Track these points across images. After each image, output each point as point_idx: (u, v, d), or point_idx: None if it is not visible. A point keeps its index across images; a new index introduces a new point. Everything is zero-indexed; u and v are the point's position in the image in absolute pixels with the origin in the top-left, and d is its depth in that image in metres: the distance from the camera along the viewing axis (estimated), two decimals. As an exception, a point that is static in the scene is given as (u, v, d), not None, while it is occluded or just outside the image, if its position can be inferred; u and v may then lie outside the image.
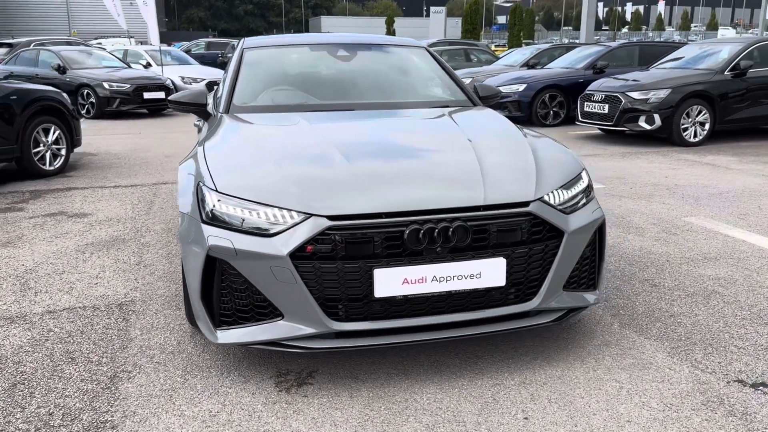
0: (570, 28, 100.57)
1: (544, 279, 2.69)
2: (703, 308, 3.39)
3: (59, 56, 13.82)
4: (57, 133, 7.28)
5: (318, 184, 2.63)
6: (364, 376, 2.72)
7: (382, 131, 3.41)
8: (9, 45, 17.31)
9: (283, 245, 2.45)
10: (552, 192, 2.76)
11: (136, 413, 2.45)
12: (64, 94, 7.61)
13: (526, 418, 2.41)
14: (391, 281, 2.47)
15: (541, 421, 2.39)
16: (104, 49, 17.40)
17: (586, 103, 9.58)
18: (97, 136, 10.63)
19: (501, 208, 2.60)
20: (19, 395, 2.58)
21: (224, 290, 2.59)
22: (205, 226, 2.59)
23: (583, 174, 3.01)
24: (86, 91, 13.19)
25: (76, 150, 8.19)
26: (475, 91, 4.23)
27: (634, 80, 9.22)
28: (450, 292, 2.55)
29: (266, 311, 2.56)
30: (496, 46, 47.89)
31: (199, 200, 2.68)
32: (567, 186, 2.85)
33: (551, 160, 3.02)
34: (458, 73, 14.62)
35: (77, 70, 13.64)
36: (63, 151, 7.40)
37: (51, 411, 2.46)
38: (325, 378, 2.70)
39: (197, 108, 3.86)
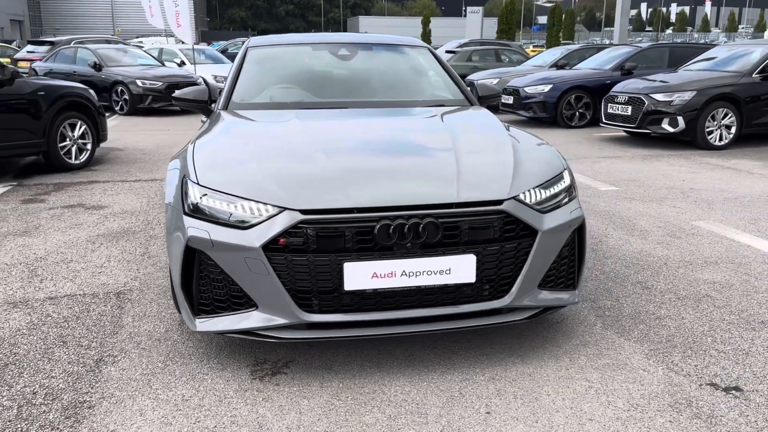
0: (612, 29, 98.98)
1: (516, 277, 2.72)
2: (692, 312, 3.36)
3: (96, 54, 14.24)
4: (83, 128, 7.52)
5: (295, 179, 2.70)
6: (337, 367, 2.79)
7: (368, 129, 3.47)
8: (51, 43, 17.88)
9: (257, 238, 2.53)
10: (529, 191, 2.78)
11: (113, 395, 2.56)
12: (91, 91, 7.86)
13: (488, 413, 2.44)
14: (360, 275, 2.53)
15: (502, 416, 2.42)
16: (141, 47, 17.87)
17: (609, 104, 9.46)
18: (127, 132, 10.93)
19: (473, 205, 2.64)
20: (9, 375, 2.71)
21: (203, 280, 2.68)
22: (186, 218, 2.69)
23: (565, 174, 3.02)
24: (120, 88, 13.56)
25: (104, 145, 8.48)
26: (475, 91, 4.26)
27: (662, 81, 9.07)
28: (420, 287, 2.59)
29: (242, 301, 2.64)
30: (534, 46, 47.47)
31: (183, 193, 2.78)
32: (546, 185, 2.87)
33: (532, 159, 3.04)
34: (485, 73, 14.62)
35: (112, 67, 14.03)
36: (89, 146, 7.64)
37: (35, 390, 2.59)
38: (299, 368, 2.78)
39: (199, 105, 3.98)
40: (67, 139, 7.34)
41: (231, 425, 2.36)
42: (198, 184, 2.74)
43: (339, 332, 2.63)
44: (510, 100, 11.96)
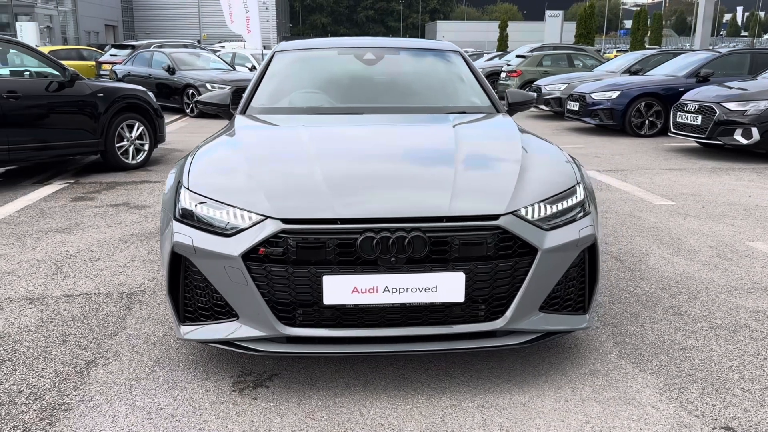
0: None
1: (513, 298, 2.53)
2: (723, 343, 3.05)
3: (170, 58, 14.77)
4: (140, 129, 7.76)
5: (283, 188, 2.62)
6: (321, 383, 2.68)
7: (373, 137, 3.34)
8: (132, 47, 18.72)
9: (237, 246, 2.46)
10: (532, 206, 2.59)
11: (92, 399, 2.55)
12: (150, 93, 8.10)
13: (466, 444, 2.27)
14: (340, 289, 2.42)
15: (481, 449, 2.24)
16: (215, 52, 18.43)
17: (678, 113, 8.92)
18: (193, 134, 11.25)
19: (466, 220, 2.47)
20: (2, 372, 2.76)
21: (187, 287, 2.64)
22: (175, 223, 2.66)
23: (578, 188, 2.80)
24: (191, 90, 14.00)
25: (165, 146, 8.75)
26: (505, 97, 4.06)
27: (739, 89, 8.46)
28: (404, 304, 2.45)
29: (224, 310, 2.58)
30: (618, 51, 45.82)
31: (176, 198, 2.75)
32: (553, 200, 2.66)
33: (542, 171, 2.84)
34: (553, 78, 14.19)
35: (185, 71, 14.51)
36: (146, 147, 7.88)
37: (21, 389, 2.62)
38: (282, 382, 2.69)
39: (221, 108, 3.99)
40: (125, 140, 7.60)
41: (196, 439, 2.30)
42: (189, 189, 2.70)
43: (318, 348, 2.52)
44: (575, 106, 11.52)
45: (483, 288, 2.48)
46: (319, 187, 2.58)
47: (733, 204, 5.88)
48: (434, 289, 2.44)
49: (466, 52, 31.56)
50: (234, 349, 2.58)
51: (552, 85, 13.72)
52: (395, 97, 3.91)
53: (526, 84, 16.47)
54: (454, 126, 3.34)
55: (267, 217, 2.47)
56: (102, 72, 18.15)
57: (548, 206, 2.64)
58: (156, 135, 8.06)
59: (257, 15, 15.53)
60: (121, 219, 5.35)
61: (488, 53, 26.25)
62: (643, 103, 10.74)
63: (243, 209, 2.52)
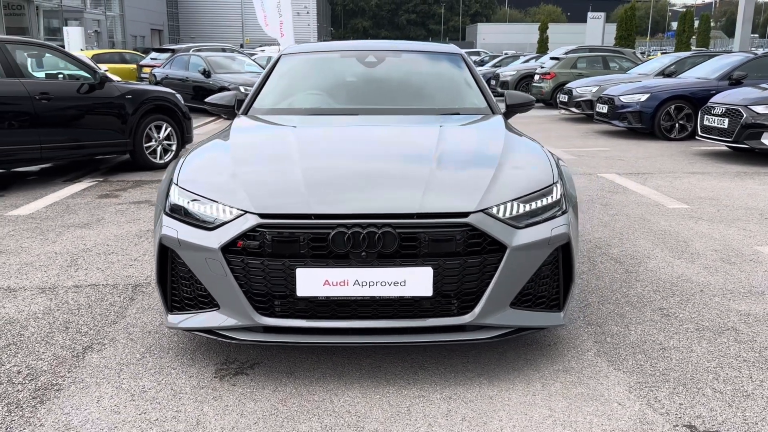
0: (756, 35, 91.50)
1: (482, 293, 2.59)
2: (705, 344, 3.05)
3: (206, 61, 15.14)
4: (168, 130, 8.03)
5: (263, 184, 2.75)
6: (299, 372, 2.79)
7: (359, 137, 3.44)
8: (172, 51, 19.24)
9: (217, 239, 2.59)
10: (504, 204, 2.65)
11: (83, 381, 2.71)
12: (178, 95, 8.37)
13: (427, 433, 2.35)
14: (312, 281, 2.52)
15: (439, 438, 2.32)
16: (253, 55, 18.80)
17: (706, 116, 8.76)
18: (223, 134, 11.50)
19: (436, 217, 2.55)
20: (6, 354, 2.95)
21: (174, 277, 2.78)
22: (164, 217, 2.81)
23: (555, 187, 2.85)
24: (225, 93, 14.31)
25: (188, 147, 8.98)
26: (504, 99, 4.11)
27: (770, 92, 8.28)
28: (373, 297, 2.54)
29: (206, 300, 2.72)
30: (662, 52, 44.87)
31: (167, 193, 2.91)
32: (527, 199, 2.72)
33: (519, 171, 2.90)
34: (584, 81, 14.07)
35: (220, 74, 14.85)
36: (173, 147, 8.15)
37: (20, 370, 2.81)
38: (263, 370, 2.81)
39: (226, 110, 4.14)
40: (153, 140, 7.87)
41: (171, 420, 2.43)
42: (177, 185, 2.86)
43: (293, 338, 2.63)
44: (604, 109, 11.40)
45: (451, 283, 2.56)
46: (297, 185, 2.70)
47: (749, 208, 5.78)
48: (403, 283, 2.53)
49: (506, 54, 31.31)
50: (215, 338, 2.71)
51: (583, 88, 13.59)
52: (391, 98, 4.01)
53: (559, 86, 16.33)
54: (440, 126, 3.42)
55: (246, 212, 2.59)
56: (142, 75, 18.70)
57: (522, 204, 2.70)
58: (183, 135, 8.31)
59: (291, 19, 15.81)
60: (141, 216, 5.57)
61: (525, 55, 26.06)
62: (672, 106, 10.57)
63: (225, 204, 2.66)
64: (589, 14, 41.91)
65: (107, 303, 3.57)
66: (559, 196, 2.84)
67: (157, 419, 2.43)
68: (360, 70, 4.29)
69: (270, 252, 2.54)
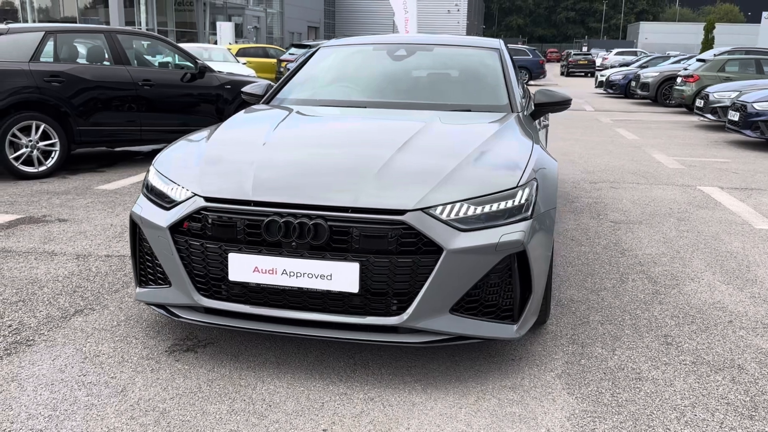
0: None
1: (415, 295, 2.48)
2: (692, 380, 2.68)
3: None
4: (263, 119, 8.42)
5: (219, 168, 2.83)
6: (244, 356, 2.83)
7: (341, 129, 3.40)
8: (308, 46, 20.10)
9: (167, 219, 2.71)
10: (452, 204, 2.52)
11: (54, 340, 2.95)
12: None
13: (324, 430, 2.30)
14: (243, 267, 2.56)
15: (333, 438, 2.26)
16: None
17: None
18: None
19: (371, 212, 2.48)
20: (11, 309, 3.28)
21: (140, 252, 2.94)
22: (141, 196, 2.99)
23: (519, 192, 2.64)
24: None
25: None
26: (532, 97, 3.88)
27: None
28: (301, 288, 2.53)
29: (163, 277, 2.84)
30: None
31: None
32: (479, 201, 2.56)
33: (482, 171, 2.73)
34: (725, 85, 12.87)
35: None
36: (268, 136, 8.53)
37: (11, 324, 3.11)
38: (212, 350, 2.89)
39: (256, 99, 4.28)
40: (248, 128, 8.29)
41: (102, 384, 2.58)
42: (153, 166, 3.02)
43: (229, 321, 2.67)
44: (736, 117, 10.30)
45: (380, 281, 2.47)
46: (246, 172, 2.74)
47: None
48: (329, 277, 2.49)
49: (668, 54, 29.03)
50: (166, 314, 2.83)
51: (722, 93, 12.35)
52: (406, 93, 3.92)
53: (702, 90, 14.96)
54: (431, 121, 3.29)
55: (195, 195, 2.68)
56: (281, 69, 19.73)
57: (472, 206, 2.55)
58: (279, 125, 8.67)
59: (415, 16, 15.88)
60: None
61: (676, 55, 24.15)
62: (817, 116, 9.32)
63: (181, 186, 2.77)
64: (764, 14, 37.95)
65: (122, 273, 3.85)
66: (522, 201, 2.63)
67: (90, 382, 2.59)
68: (385, 63, 4.23)
69: (210, 235, 2.61)
